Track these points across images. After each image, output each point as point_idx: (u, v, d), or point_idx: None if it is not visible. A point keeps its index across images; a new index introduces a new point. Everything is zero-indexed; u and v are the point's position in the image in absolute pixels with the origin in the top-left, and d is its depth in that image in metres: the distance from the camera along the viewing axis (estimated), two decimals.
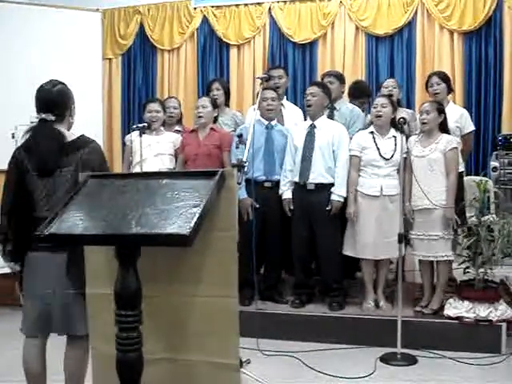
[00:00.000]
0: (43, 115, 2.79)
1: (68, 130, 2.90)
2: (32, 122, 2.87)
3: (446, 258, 4.36)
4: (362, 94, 5.41)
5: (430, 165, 4.35)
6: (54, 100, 2.83)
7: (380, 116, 4.49)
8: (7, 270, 2.99)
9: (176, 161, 4.91)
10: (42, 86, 2.87)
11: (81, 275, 2.68)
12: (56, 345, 2.91)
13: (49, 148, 2.74)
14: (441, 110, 4.44)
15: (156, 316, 2.32)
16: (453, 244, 4.37)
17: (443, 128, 4.46)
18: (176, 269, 2.29)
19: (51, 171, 2.75)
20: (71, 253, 2.68)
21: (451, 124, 4.64)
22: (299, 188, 4.56)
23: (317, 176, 4.51)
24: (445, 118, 4.47)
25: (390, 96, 4.78)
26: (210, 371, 2.31)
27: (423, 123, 4.43)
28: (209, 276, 2.26)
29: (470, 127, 4.99)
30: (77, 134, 2.85)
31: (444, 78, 4.99)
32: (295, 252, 4.66)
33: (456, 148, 4.40)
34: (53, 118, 2.79)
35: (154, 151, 4.80)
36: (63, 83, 2.91)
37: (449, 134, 4.47)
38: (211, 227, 2.18)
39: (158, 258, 2.24)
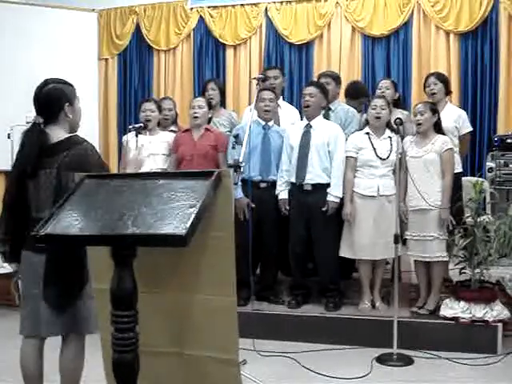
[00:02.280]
0: (34, 118, 2.79)
1: (71, 128, 2.87)
2: (28, 123, 2.87)
3: (440, 259, 4.37)
4: (360, 94, 5.41)
5: (426, 166, 4.35)
6: (42, 102, 2.81)
7: (379, 118, 4.50)
8: (3, 271, 2.99)
9: None
10: (37, 87, 2.85)
11: (64, 275, 2.68)
12: (54, 345, 2.91)
13: (29, 151, 2.74)
14: (435, 110, 4.45)
15: (159, 311, 2.34)
16: (448, 244, 4.37)
17: (438, 128, 4.47)
18: (174, 268, 2.29)
19: (31, 174, 2.74)
20: (51, 254, 2.67)
21: (449, 124, 4.65)
22: (296, 188, 4.56)
23: (313, 176, 4.52)
24: (439, 118, 4.47)
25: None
26: (210, 366, 2.34)
27: (418, 124, 4.44)
28: (207, 275, 2.26)
29: (468, 128, 4.99)
30: (66, 135, 2.83)
31: (441, 78, 4.99)
32: (292, 252, 4.66)
33: (452, 149, 4.41)
34: (41, 120, 2.78)
35: (147, 151, 4.78)
36: (59, 81, 2.86)
37: (443, 134, 4.48)
38: (208, 227, 2.17)
39: (157, 257, 2.24)
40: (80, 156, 2.74)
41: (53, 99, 2.82)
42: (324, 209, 4.48)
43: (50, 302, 2.71)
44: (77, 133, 2.89)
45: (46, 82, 2.84)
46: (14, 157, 2.90)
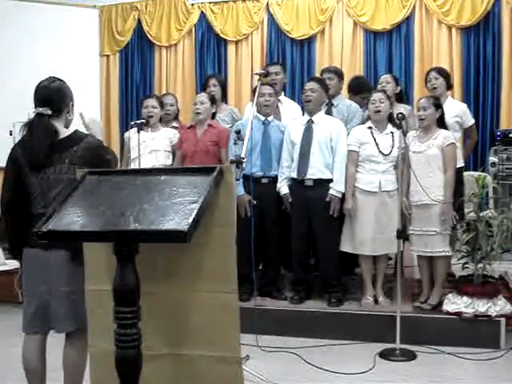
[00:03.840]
0: (40, 109, 2.78)
1: (66, 127, 2.89)
2: (30, 119, 2.86)
3: (443, 254, 4.36)
4: (362, 89, 5.39)
5: (428, 160, 4.34)
6: (51, 95, 2.82)
7: (379, 111, 4.49)
8: (5, 268, 2.99)
9: (173, 157, 4.90)
10: (40, 83, 2.87)
11: (75, 273, 2.68)
12: (56, 342, 2.91)
13: (41, 142, 2.74)
14: (438, 105, 4.44)
15: (157, 312, 2.32)
16: (451, 239, 4.37)
17: (441, 123, 4.45)
18: (175, 264, 2.29)
19: (42, 166, 2.74)
20: (65, 250, 2.68)
21: (450, 119, 4.64)
22: (297, 184, 4.56)
23: (315, 172, 4.51)
24: (442, 113, 4.46)
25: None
26: (212, 365, 2.33)
27: (421, 119, 4.43)
28: (208, 271, 2.26)
29: (472, 120, 5.04)
30: (71, 130, 2.84)
31: (442, 72, 4.99)
32: (294, 248, 4.66)
33: (454, 144, 4.40)
34: (49, 112, 2.78)
35: (149, 148, 4.78)
36: (62, 80, 2.90)
37: (447, 129, 4.47)
38: (210, 223, 2.17)
39: (157, 254, 2.24)
40: (89, 150, 2.76)
41: (63, 94, 2.87)
42: (327, 199, 4.47)
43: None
44: (76, 128, 2.90)
45: (53, 79, 2.88)
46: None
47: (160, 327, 2.35)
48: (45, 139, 2.74)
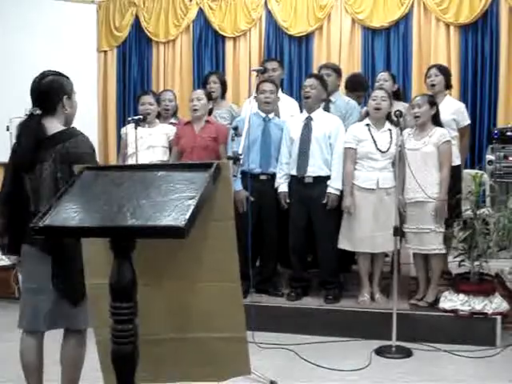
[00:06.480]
0: (31, 109, 2.78)
1: (66, 121, 2.86)
2: (26, 115, 2.86)
3: (438, 252, 4.36)
4: (358, 87, 5.40)
5: (424, 158, 4.34)
6: (41, 94, 2.79)
7: (379, 109, 4.48)
8: (2, 263, 2.99)
9: (170, 153, 4.90)
10: (34, 79, 2.84)
11: (63, 270, 2.69)
12: (54, 338, 2.91)
13: (25, 144, 2.73)
14: (433, 103, 4.44)
15: (159, 302, 2.35)
16: (447, 237, 4.37)
17: (436, 121, 4.45)
18: (176, 258, 2.30)
19: (28, 167, 2.73)
20: (50, 248, 2.68)
21: (448, 117, 4.64)
22: (297, 181, 4.55)
23: (315, 169, 4.51)
24: (437, 111, 4.46)
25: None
26: (218, 345, 2.37)
27: (416, 117, 4.43)
28: (209, 263, 2.28)
29: (467, 121, 4.99)
30: (62, 128, 2.81)
31: (443, 70, 4.97)
32: (292, 245, 4.66)
33: (449, 141, 4.40)
34: (39, 112, 2.76)
35: (146, 144, 4.78)
36: (57, 74, 2.85)
37: (442, 126, 4.46)
38: (208, 218, 2.17)
39: (158, 248, 2.24)
40: (76, 148, 2.73)
41: (52, 91, 2.81)
42: (324, 201, 4.47)
43: (69, 298, 2.73)
44: (73, 125, 2.89)
45: (44, 74, 2.83)
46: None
47: (164, 316, 2.38)
48: (29, 141, 2.73)
